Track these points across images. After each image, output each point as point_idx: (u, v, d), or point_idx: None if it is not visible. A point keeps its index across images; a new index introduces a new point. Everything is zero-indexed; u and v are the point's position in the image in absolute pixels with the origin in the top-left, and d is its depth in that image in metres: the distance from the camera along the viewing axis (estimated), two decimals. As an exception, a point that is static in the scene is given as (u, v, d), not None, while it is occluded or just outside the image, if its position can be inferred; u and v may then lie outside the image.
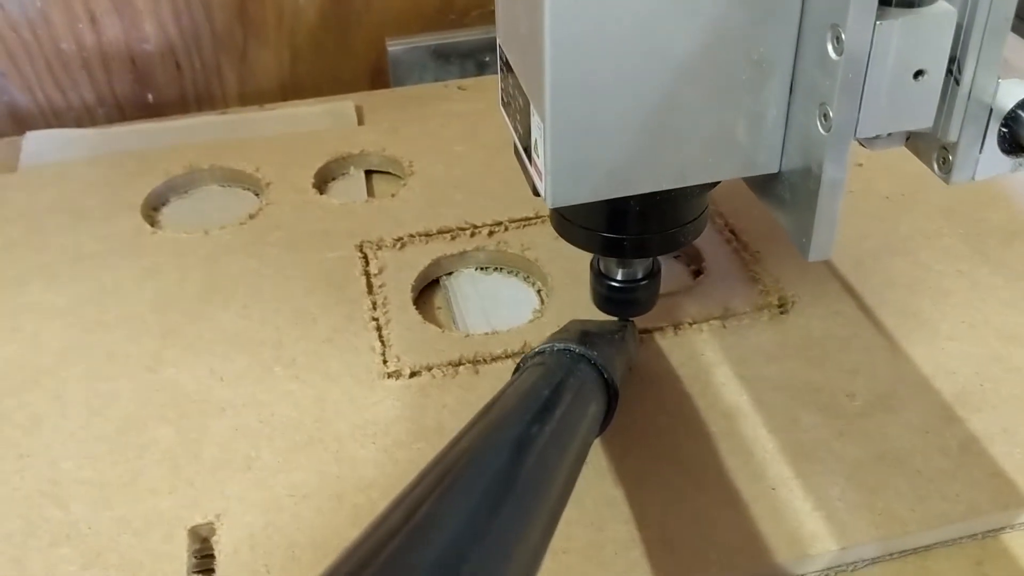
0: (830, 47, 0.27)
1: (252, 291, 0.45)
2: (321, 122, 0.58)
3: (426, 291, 0.46)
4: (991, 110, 0.28)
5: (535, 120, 0.29)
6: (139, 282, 0.45)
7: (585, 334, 0.35)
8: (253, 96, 0.72)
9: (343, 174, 0.55)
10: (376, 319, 0.43)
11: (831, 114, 0.27)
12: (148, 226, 0.49)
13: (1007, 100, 0.28)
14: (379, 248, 0.47)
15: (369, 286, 0.45)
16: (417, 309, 0.44)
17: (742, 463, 0.36)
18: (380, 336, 0.42)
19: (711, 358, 0.40)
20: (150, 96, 0.71)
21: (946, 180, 0.29)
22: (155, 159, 0.54)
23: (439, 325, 0.43)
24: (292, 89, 0.72)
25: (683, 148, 0.30)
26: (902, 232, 0.48)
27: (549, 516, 0.26)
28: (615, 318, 0.39)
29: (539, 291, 0.46)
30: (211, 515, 0.34)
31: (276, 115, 0.60)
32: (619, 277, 0.37)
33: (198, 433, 0.38)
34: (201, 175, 0.53)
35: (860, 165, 0.52)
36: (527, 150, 0.31)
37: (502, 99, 0.34)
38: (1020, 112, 0.28)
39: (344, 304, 0.44)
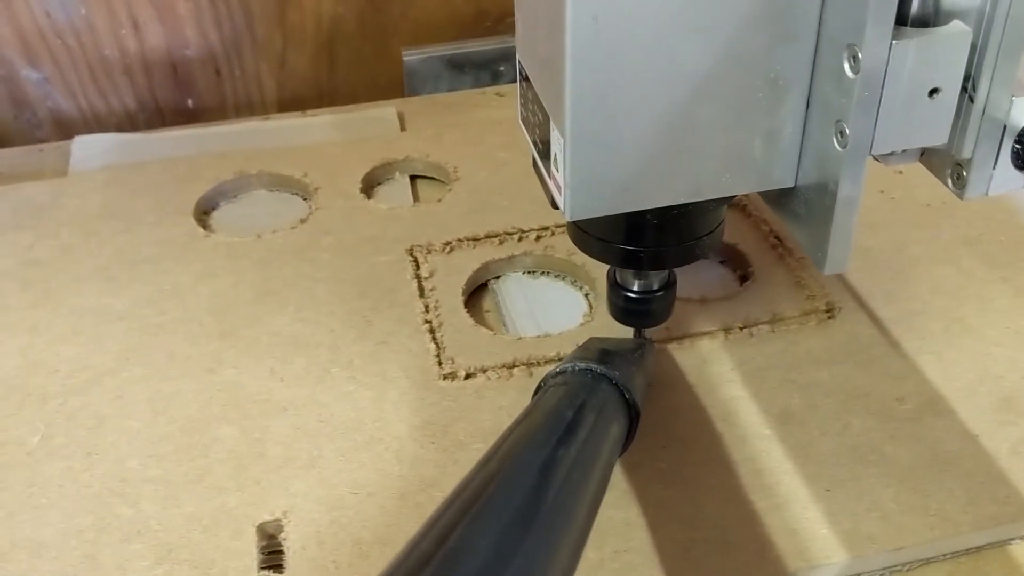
0: (847, 66, 0.27)
1: (306, 294, 0.46)
2: (364, 128, 0.59)
3: (475, 295, 0.47)
4: (1005, 127, 0.28)
5: (555, 135, 0.30)
6: (195, 285, 0.46)
7: (605, 353, 0.35)
8: (291, 102, 0.73)
9: (388, 179, 0.55)
10: (429, 322, 0.44)
11: (847, 131, 0.28)
12: (201, 230, 0.50)
13: (1021, 118, 0.28)
14: (428, 252, 0.48)
15: (420, 290, 0.46)
16: (467, 312, 0.44)
17: (797, 466, 0.36)
18: (434, 339, 0.43)
19: (761, 363, 0.41)
20: (190, 102, 0.72)
21: (960, 196, 0.30)
22: (203, 164, 0.55)
23: (489, 328, 0.44)
24: (329, 96, 0.73)
25: (700, 163, 0.30)
26: (944, 240, 0.48)
27: (578, 536, 0.27)
28: (633, 335, 0.40)
29: (587, 295, 0.47)
30: (278, 512, 0.35)
31: (319, 121, 0.61)
32: (635, 288, 0.38)
33: (261, 432, 0.38)
34: (249, 180, 0.54)
35: (900, 172, 0.52)
36: (546, 163, 0.32)
37: (521, 113, 0.35)
38: None
39: (396, 307, 0.45)
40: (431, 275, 0.46)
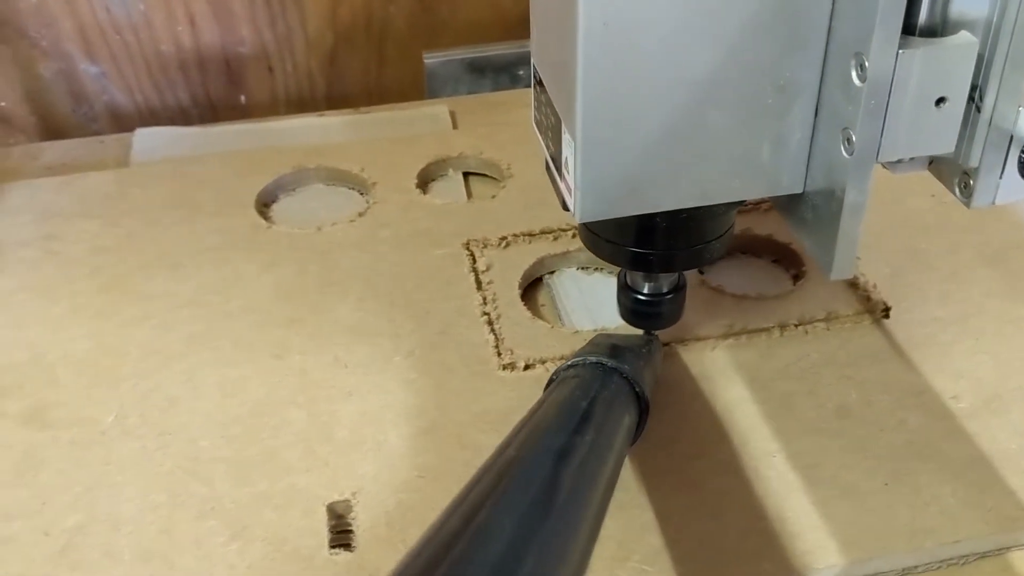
0: (854, 74, 0.27)
1: (367, 285, 0.47)
2: (417, 126, 0.60)
3: (530, 289, 0.48)
4: (1012, 137, 0.28)
5: (566, 138, 0.30)
6: (259, 274, 0.47)
7: (615, 348, 0.36)
8: (340, 100, 0.74)
9: (442, 176, 0.56)
10: (487, 314, 0.44)
11: (854, 138, 0.28)
12: (263, 221, 0.51)
13: None
14: (484, 247, 0.49)
15: (478, 283, 0.46)
16: (524, 305, 0.45)
17: (855, 460, 0.37)
18: (492, 330, 0.44)
19: (817, 359, 0.42)
20: (242, 98, 0.73)
21: (967, 204, 0.30)
22: (262, 158, 0.56)
23: (546, 321, 0.45)
24: (378, 94, 0.74)
25: (709, 168, 0.30)
26: (995, 244, 0.49)
27: (594, 519, 0.28)
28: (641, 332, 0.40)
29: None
30: (347, 493, 0.36)
31: (372, 118, 0.62)
32: (645, 291, 0.38)
33: (328, 416, 0.39)
34: (308, 174, 0.55)
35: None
36: (558, 166, 0.32)
37: (534, 116, 0.35)
38: None
39: (454, 299, 0.46)
40: (487, 269, 0.47)
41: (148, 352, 0.43)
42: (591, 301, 0.47)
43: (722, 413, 0.39)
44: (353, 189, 0.55)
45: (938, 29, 0.27)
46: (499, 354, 0.42)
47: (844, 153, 0.28)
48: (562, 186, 0.32)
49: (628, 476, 0.37)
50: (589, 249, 0.37)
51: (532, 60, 0.34)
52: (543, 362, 0.42)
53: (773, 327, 0.43)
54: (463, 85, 0.70)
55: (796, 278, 0.47)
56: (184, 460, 0.38)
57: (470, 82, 0.70)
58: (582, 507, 0.27)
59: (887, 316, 0.44)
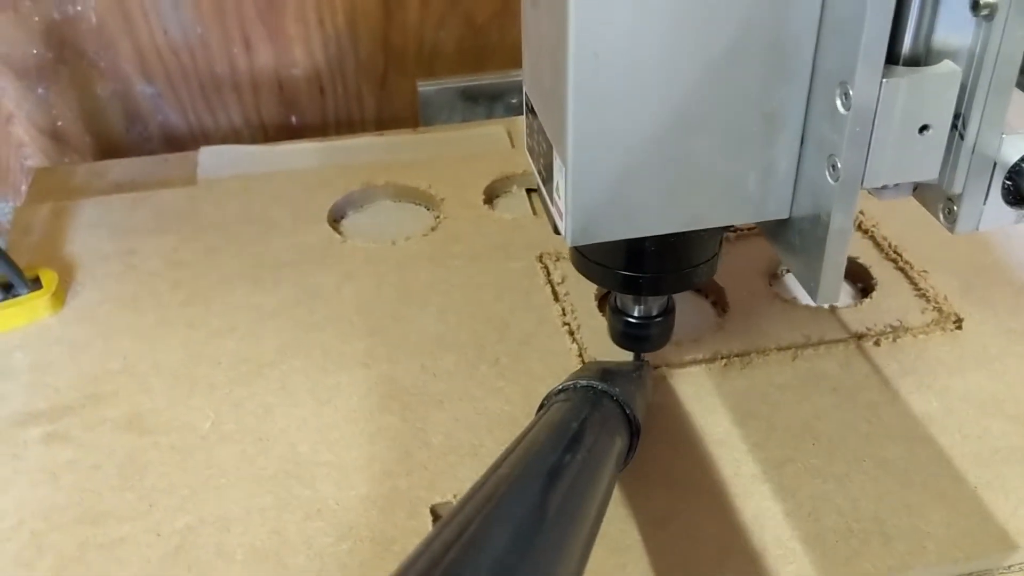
0: (839, 102, 0.28)
1: (445, 297, 0.48)
2: (477, 145, 0.62)
3: (603, 301, 0.49)
4: (995, 164, 0.29)
5: (557, 163, 0.31)
6: (339, 287, 0.48)
7: (606, 372, 0.37)
8: (389, 122, 0.75)
9: (507, 192, 0.58)
10: (568, 324, 0.45)
11: (839, 165, 0.28)
12: (337, 236, 0.52)
13: (1011, 154, 0.28)
14: (557, 260, 0.50)
15: (555, 294, 0.47)
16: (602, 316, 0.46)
17: (944, 466, 0.38)
18: (575, 339, 0.45)
19: (895, 369, 0.43)
20: (293, 119, 0.74)
21: (951, 230, 0.30)
22: (329, 175, 0.58)
23: (623, 332, 0.46)
24: (425, 116, 0.75)
25: (697, 193, 0.31)
26: (1059, 257, 0.50)
27: (586, 536, 0.28)
28: (632, 358, 0.41)
29: (713, 303, 0.48)
30: (449, 495, 0.37)
31: (431, 138, 0.63)
32: (635, 314, 0.39)
33: (421, 423, 0.40)
34: (376, 191, 0.57)
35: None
36: (549, 191, 0.33)
37: (527, 143, 0.36)
38: (1023, 166, 0.29)
39: (533, 310, 0.47)
40: (563, 280, 0.48)
41: (238, 361, 0.44)
42: (665, 313, 0.48)
43: (811, 420, 0.40)
44: (420, 205, 0.57)
45: (921, 58, 0.28)
46: (583, 362, 0.43)
47: (830, 179, 0.29)
48: (553, 210, 0.33)
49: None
50: (580, 272, 0.38)
51: (524, 87, 0.35)
52: (627, 371, 0.43)
53: (849, 338, 0.44)
54: (457, 113, 0.72)
55: (864, 292, 0.48)
56: (285, 464, 0.39)
57: (464, 110, 0.72)
58: (573, 523, 0.28)
59: (959, 328, 0.45)
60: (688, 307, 0.48)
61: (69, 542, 0.35)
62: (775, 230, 0.33)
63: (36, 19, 0.65)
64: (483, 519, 0.26)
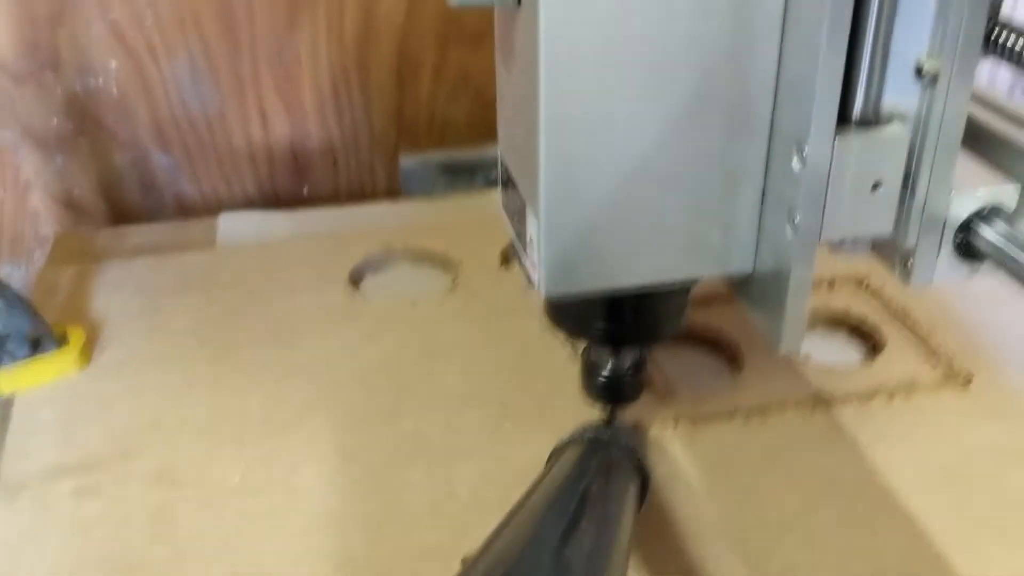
0: (795, 160, 0.29)
1: (467, 354, 0.49)
2: (488, 209, 0.63)
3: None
4: (945, 220, 0.30)
5: (531, 218, 0.32)
6: (362, 346, 0.49)
7: (607, 425, 0.39)
8: (399, 192, 0.77)
9: (521, 256, 0.59)
10: (588, 381, 0.46)
11: (798, 219, 0.29)
12: (359, 296, 0.53)
13: (960, 212, 0.30)
14: (575, 320, 0.51)
15: (576, 351, 0.48)
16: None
17: (962, 516, 0.39)
18: (597, 396, 0.45)
19: (908, 423, 0.44)
20: (305, 189, 0.76)
21: (906, 283, 0.31)
22: (348, 239, 0.59)
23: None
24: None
25: (664, 248, 0.32)
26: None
27: None
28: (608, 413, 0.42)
29: (728, 360, 0.50)
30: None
31: (444, 205, 0.65)
32: (608, 367, 0.40)
33: (448, 476, 0.41)
34: (395, 254, 0.58)
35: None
36: (524, 245, 0.34)
37: (503, 201, 0.38)
38: (973, 223, 0.30)
39: (555, 367, 0.48)
40: (582, 340, 0.49)
41: (265, 418, 0.44)
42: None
43: (829, 478, 0.41)
44: (437, 267, 0.58)
45: (872, 120, 0.29)
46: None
47: (789, 234, 0.30)
48: (527, 263, 0.34)
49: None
50: (553, 324, 0.39)
51: (499, 150, 0.37)
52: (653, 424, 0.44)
53: (861, 395, 0.45)
54: (438, 185, 0.74)
55: (875, 349, 0.50)
56: (316, 517, 0.39)
57: (444, 183, 0.74)
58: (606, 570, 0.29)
59: (969, 383, 0.46)
60: (703, 363, 0.50)
61: (102, 594, 0.36)
62: (739, 284, 0.35)
63: (59, 91, 0.67)
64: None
